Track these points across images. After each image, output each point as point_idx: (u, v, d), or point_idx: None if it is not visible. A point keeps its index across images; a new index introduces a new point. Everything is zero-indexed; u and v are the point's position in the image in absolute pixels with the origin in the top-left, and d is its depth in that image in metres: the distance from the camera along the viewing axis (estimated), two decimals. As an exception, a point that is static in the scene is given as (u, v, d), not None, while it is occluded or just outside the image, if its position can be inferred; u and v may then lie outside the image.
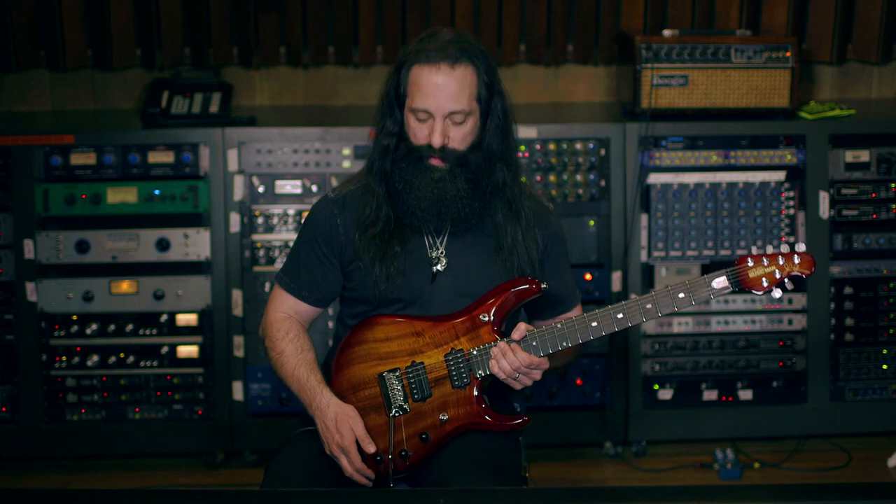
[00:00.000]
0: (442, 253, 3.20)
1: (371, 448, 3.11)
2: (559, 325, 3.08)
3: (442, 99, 3.07)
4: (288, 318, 3.28)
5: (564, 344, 3.07)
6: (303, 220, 3.32)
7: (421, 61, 3.08)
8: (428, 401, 3.13)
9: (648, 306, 3.05)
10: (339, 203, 3.23)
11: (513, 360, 3.06)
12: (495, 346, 3.08)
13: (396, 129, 3.15)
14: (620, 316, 3.06)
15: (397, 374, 3.15)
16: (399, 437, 3.15)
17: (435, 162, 3.11)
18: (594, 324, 3.07)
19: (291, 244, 3.36)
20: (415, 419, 3.14)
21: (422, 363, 3.13)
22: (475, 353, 3.10)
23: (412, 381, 3.14)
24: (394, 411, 3.14)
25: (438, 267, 3.19)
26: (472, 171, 3.14)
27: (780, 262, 3.04)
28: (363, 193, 3.21)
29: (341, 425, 3.11)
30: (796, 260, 3.04)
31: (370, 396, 3.16)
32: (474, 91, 3.10)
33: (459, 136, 3.11)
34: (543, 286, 3.12)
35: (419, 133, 3.11)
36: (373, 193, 3.19)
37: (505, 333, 3.13)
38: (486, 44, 4.92)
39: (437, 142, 3.09)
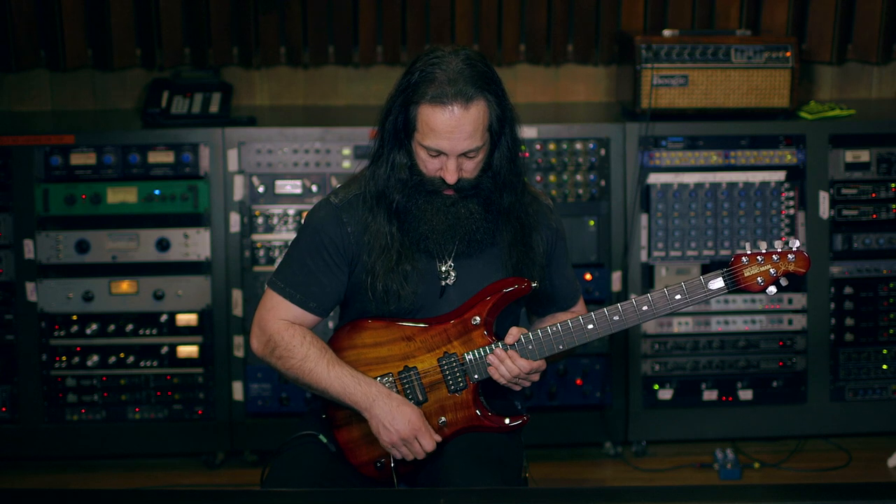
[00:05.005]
0: (451, 266, 3.17)
1: (436, 438, 3.09)
2: (556, 328, 3.08)
3: (456, 141, 3.01)
4: (293, 325, 3.17)
5: (560, 347, 3.07)
6: (302, 224, 3.24)
7: (431, 101, 2.99)
8: (424, 406, 3.13)
9: (644, 308, 3.05)
10: (346, 208, 3.16)
11: (511, 367, 3.06)
12: (491, 351, 3.08)
13: (408, 161, 3.08)
14: (616, 318, 3.06)
15: (390, 379, 3.14)
16: None
17: (448, 193, 3.08)
18: (590, 326, 3.07)
19: (289, 248, 3.27)
20: (413, 424, 3.14)
21: (415, 368, 3.12)
22: (470, 357, 3.10)
23: (406, 386, 3.13)
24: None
25: (448, 281, 3.17)
26: (484, 194, 3.11)
27: (776, 261, 3.04)
28: (373, 219, 3.13)
29: (411, 413, 3.07)
30: (791, 258, 3.04)
31: (363, 402, 3.16)
32: (486, 124, 3.04)
33: (471, 167, 3.07)
34: (534, 285, 3.12)
35: (430, 165, 3.06)
36: (382, 227, 3.12)
37: (498, 334, 3.13)
38: (486, 44, 4.96)
39: (451, 179, 3.04)
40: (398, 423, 3.07)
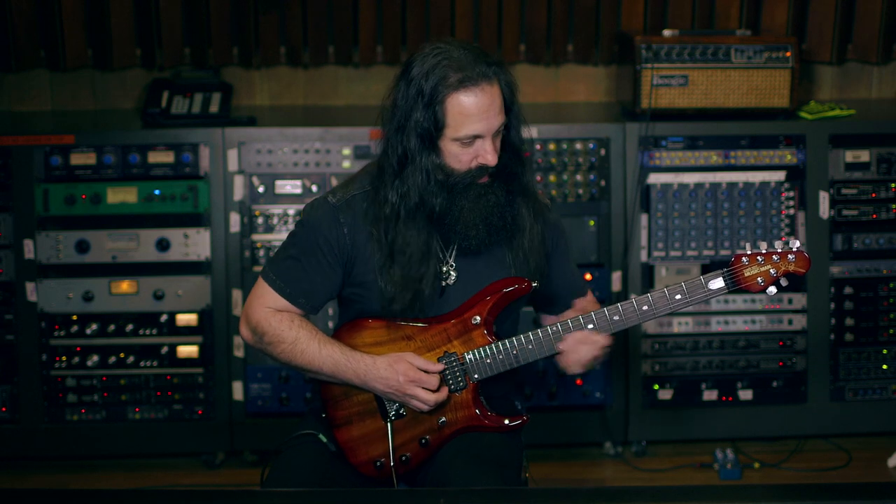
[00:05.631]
0: (452, 266, 3.17)
1: (437, 367, 3.07)
2: (556, 328, 3.08)
3: (492, 119, 3.01)
4: (279, 311, 3.18)
5: (561, 347, 3.07)
6: (299, 219, 3.24)
7: (460, 87, 2.98)
8: (424, 405, 3.13)
9: (645, 308, 3.05)
10: (343, 208, 3.15)
11: (596, 340, 3.06)
12: (493, 351, 3.09)
13: (440, 161, 3.05)
14: (617, 318, 3.06)
15: None
16: (398, 441, 3.14)
17: (482, 181, 3.07)
18: (590, 326, 3.07)
19: (284, 241, 3.27)
20: (413, 423, 3.14)
21: (415, 367, 3.12)
22: (470, 357, 3.10)
23: None
24: (391, 415, 3.14)
25: (448, 281, 3.17)
26: (507, 172, 3.10)
27: (776, 261, 3.04)
28: (408, 231, 3.09)
29: (397, 366, 3.06)
30: (791, 258, 3.04)
31: (364, 402, 3.16)
32: (504, 98, 3.06)
33: (499, 146, 3.08)
34: (534, 285, 3.12)
35: (464, 158, 3.04)
36: (421, 237, 3.09)
37: (497, 334, 3.13)
38: (486, 44, 4.97)
39: (493, 160, 3.03)
40: (393, 383, 3.07)
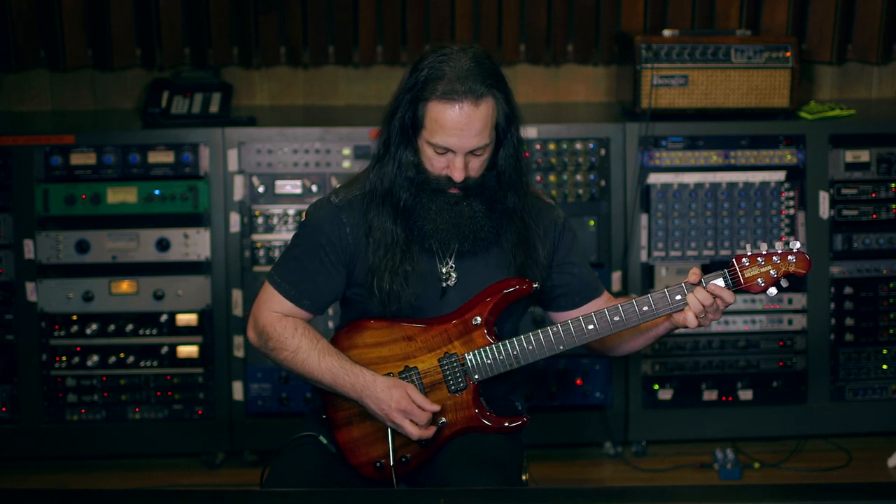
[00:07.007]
0: (452, 268, 3.17)
1: (432, 407, 3.06)
2: (556, 329, 3.07)
3: (466, 138, 2.99)
4: (285, 316, 3.19)
5: (560, 348, 3.08)
6: (302, 220, 3.24)
7: (441, 98, 2.98)
8: (424, 406, 3.13)
9: (645, 309, 3.05)
10: (346, 208, 3.16)
11: (726, 300, 3.07)
12: (493, 352, 3.09)
13: (414, 159, 3.07)
14: (617, 319, 3.06)
15: None
16: (398, 442, 3.14)
17: (453, 191, 3.07)
18: (590, 327, 3.06)
19: (288, 243, 3.28)
20: (412, 424, 3.14)
21: (415, 368, 3.12)
22: (470, 357, 3.09)
23: None
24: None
25: (449, 282, 3.17)
26: (488, 193, 3.10)
27: (776, 262, 3.04)
28: (378, 218, 3.12)
29: (394, 391, 3.06)
30: (791, 259, 3.04)
31: (363, 402, 3.16)
32: (494, 121, 3.03)
33: (477, 165, 3.06)
34: (535, 285, 3.12)
35: (436, 163, 3.05)
36: (387, 226, 3.10)
37: (498, 334, 3.13)
38: (486, 44, 4.96)
39: (458, 177, 3.02)
40: (385, 406, 3.07)
